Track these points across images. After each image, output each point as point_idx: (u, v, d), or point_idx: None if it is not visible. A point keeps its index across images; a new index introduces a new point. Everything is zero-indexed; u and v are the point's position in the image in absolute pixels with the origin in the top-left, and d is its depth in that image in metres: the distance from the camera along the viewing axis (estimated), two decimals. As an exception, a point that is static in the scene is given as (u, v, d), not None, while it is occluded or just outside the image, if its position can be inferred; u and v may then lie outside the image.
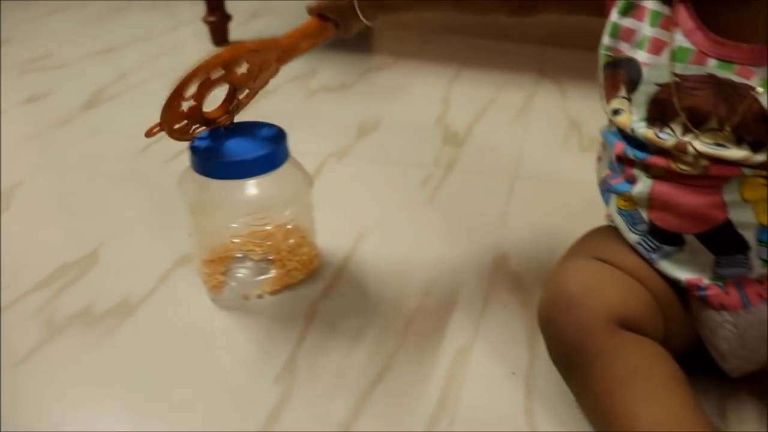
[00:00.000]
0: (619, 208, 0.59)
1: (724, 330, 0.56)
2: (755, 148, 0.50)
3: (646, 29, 0.55)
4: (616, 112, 0.57)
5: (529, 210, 0.87)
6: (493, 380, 0.61)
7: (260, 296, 0.71)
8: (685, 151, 0.52)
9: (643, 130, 0.54)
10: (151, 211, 0.87)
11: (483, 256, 0.78)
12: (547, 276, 0.60)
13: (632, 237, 0.58)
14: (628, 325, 0.53)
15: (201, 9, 1.56)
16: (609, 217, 0.63)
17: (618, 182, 0.59)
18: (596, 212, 0.83)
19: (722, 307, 0.55)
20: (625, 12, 0.56)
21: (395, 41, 1.62)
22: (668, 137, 0.53)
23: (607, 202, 0.62)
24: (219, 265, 0.71)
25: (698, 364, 0.60)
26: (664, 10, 0.54)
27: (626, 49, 0.56)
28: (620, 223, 0.59)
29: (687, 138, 0.52)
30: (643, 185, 0.56)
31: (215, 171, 0.65)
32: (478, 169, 0.97)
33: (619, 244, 0.60)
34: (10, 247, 0.80)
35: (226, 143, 0.66)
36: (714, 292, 0.55)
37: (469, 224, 0.84)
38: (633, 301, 0.55)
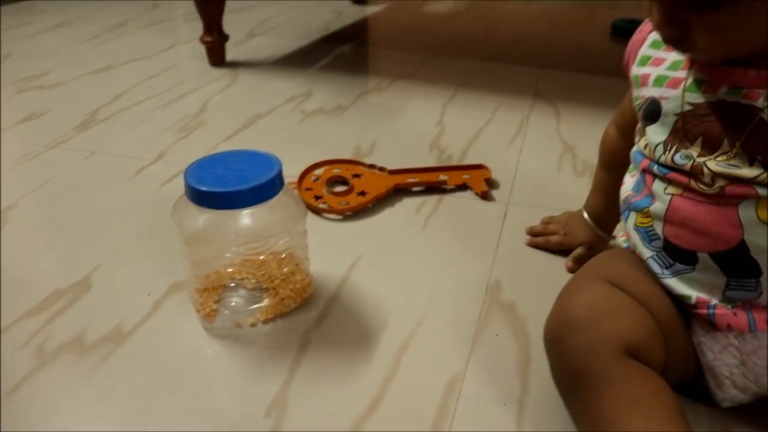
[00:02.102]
0: (637, 225, 0.61)
1: (727, 354, 0.57)
2: (766, 166, 0.52)
3: (664, 71, 0.59)
4: (645, 147, 0.60)
5: (523, 236, 0.87)
6: (484, 411, 0.61)
7: (253, 325, 0.71)
8: (701, 173, 0.54)
9: (663, 158, 0.57)
10: (145, 236, 0.87)
11: (476, 284, 0.78)
12: (557, 296, 0.60)
13: (646, 253, 0.60)
14: (634, 353, 0.53)
15: (198, 28, 1.57)
16: (626, 236, 0.64)
17: (638, 199, 0.61)
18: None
19: (729, 328, 0.56)
20: (644, 63, 0.61)
21: (391, 63, 1.63)
22: (685, 161, 0.56)
23: (626, 220, 0.63)
24: (212, 294, 0.71)
25: (690, 393, 0.61)
26: (685, 55, 0.57)
27: (647, 92, 0.60)
28: (636, 239, 0.61)
29: (701, 160, 0.55)
30: (661, 201, 0.58)
31: (210, 201, 0.65)
32: (472, 195, 0.98)
33: (633, 268, 0.61)
34: (1, 271, 0.80)
35: (220, 173, 0.66)
36: (722, 311, 0.56)
37: (463, 251, 0.84)
38: (641, 330, 0.55)
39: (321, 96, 1.37)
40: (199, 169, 0.67)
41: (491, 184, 1.00)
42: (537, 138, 1.17)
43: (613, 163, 0.74)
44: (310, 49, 1.71)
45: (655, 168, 0.58)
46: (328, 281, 0.78)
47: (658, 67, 0.59)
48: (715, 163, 0.54)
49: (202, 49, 1.58)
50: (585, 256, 0.80)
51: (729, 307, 0.56)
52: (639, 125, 0.63)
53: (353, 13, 2.06)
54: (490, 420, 0.60)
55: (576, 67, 1.53)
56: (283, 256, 0.72)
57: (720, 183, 0.54)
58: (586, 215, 0.82)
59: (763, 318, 0.56)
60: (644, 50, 0.62)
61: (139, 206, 0.94)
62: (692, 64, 0.56)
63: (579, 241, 0.82)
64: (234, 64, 1.58)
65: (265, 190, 0.66)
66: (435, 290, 0.77)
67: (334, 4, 2.18)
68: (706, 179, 0.54)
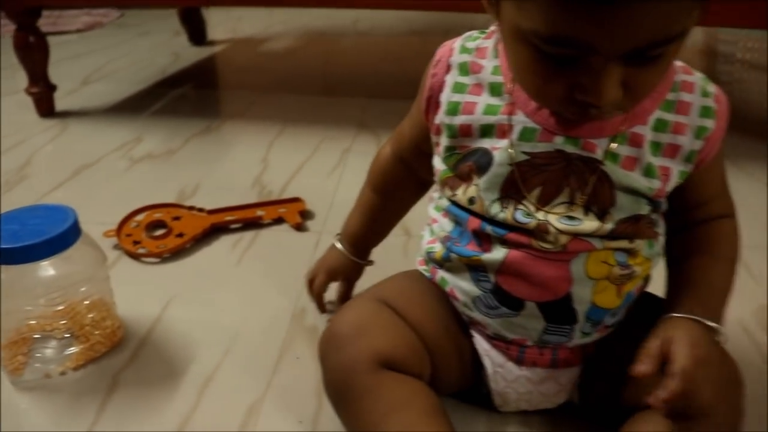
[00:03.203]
0: (464, 263, 0.61)
1: (518, 384, 0.63)
2: (601, 217, 0.55)
3: (485, 119, 0.57)
4: (471, 201, 0.59)
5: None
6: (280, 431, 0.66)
7: (63, 373, 0.73)
8: (546, 231, 0.55)
9: (502, 215, 0.57)
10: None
11: (283, 312, 0.83)
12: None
13: (475, 291, 0.61)
14: (391, 365, 0.58)
15: (24, 79, 1.55)
16: (423, 264, 0.67)
17: (463, 248, 0.60)
18: (399, 261, 0.90)
19: (534, 365, 0.62)
20: (455, 111, 0.58)
21: (225, 103, 1.67)
22: (528, 219, 0.56)
23: (445, 255, 0.62)
24: (21, 347, 0.73)
25: (469, 397, 0.67)
26: (502, 100, 0.57)
27: (472, 142, 0.58)
28: (465, 276, 0.61)
29: (541, 215, 0.56)
30: (497, 253, 0.58)
31: (1, 257, 0.67)
32: (288, 227, 1.03)
33: (416, 290, 0.65)
34: None
35: (15, 229, 0.69)
36: (532, 351, 0.62)
37: (273, 282, 0.89)
38: (398, 343, 0.60)
39: (151, 141, 1.39)
40: (-9, 227, 0.69)
41: (306, 215, 1.06)
42: (357, 167, 1.24)
43: (383, 185, 0.74)
44: (145, 94, 1.73)
45: (489, 229, 0.58)
46: (141, 323, 0.81)
47: (474, 115, 0.57)
48: (557, 219, 0.55)
49: (30, 100, 1.56)
50: (347, 289, 0.81)
51: (539, 347, 0.61)
52: (442, 174, 0.61)
53: (192, 55, 2.09)
54: (284, 438, 0.65)
55: (401, 95, 1.61)
56: (88, 302, 0.74)
57: (563, 240, 0.55)
58: (338, 244, 0.79)
59: (564, 358, 0.62)
60: (448, 96, 0.59)
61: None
62: (514, 110, 0.56)
63: (329, 273, 0.80)
64: (65, 114, 1.58)
65: (59, 241, 0.69)
66: (243, 322, 0.81)
67: (173, 47, 2.19)
68: (551, 237, 0.55)
